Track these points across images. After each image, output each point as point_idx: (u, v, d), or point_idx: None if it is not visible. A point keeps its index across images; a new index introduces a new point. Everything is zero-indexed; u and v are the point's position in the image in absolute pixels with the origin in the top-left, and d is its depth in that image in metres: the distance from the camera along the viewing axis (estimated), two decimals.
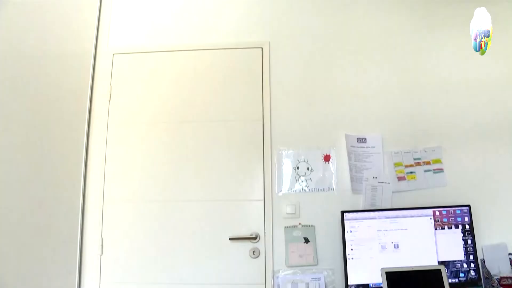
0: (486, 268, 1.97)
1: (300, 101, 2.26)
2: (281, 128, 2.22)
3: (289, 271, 2.05)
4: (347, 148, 2.17)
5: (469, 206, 2.01)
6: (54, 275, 1.96)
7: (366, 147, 2.18)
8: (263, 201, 2.15)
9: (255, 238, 2.12)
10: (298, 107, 2.25)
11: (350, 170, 2.15)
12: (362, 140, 2.20)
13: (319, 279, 2.01)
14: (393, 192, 2.13)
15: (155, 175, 2.23)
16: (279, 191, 2.16)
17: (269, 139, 2.21)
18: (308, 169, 2.17)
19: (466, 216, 1.99)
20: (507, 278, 1.90)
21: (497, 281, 1.89)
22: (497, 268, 1.97)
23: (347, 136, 2.18)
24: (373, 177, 2.14)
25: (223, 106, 2.28)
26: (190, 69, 2.34)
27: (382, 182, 2.13)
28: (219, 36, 2.38)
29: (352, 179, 2.14)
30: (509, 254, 2.01)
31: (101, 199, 2.22)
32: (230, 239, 2.12)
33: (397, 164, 2.17)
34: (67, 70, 2.15)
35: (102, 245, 2.17)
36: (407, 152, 2.18)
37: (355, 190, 2.13)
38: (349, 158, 2.16)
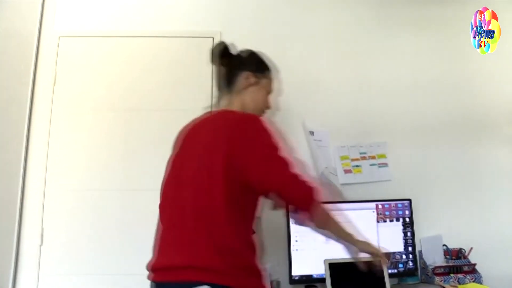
0: (423, 259, 2.05)
1: None
2: None
3: None
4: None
5: (410, 200, 2.07)
6: None
7: (313, 140, 2.20)
8: None
9: None
10: None
11: None
12: (310, 133, 2.21)
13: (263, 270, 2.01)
14: (340, 184, 2.16)
15: (99, 164, 2.16)
16: None
17: None
18: None
19: (407, 209, 2.06)
20: (440, 267, 1.99)
21: (431, 270, 1.98)
22: (433, 258, 2.06)
23: None
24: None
25: (172, 95, 2.23)
26: (139, 57, 2.27)
27: (330, 174, 2.16)
28: (170, 24, 2.32)
29: None
30: (443, 245, 2.10)
31: (42, 188, 2.13)
32: None
33: (343, 158, 2.21)
34: (7, 51, 2.04)
35: (42, 234, 2.09)
36: (353, 146, 2.23)
37: None
38: None
